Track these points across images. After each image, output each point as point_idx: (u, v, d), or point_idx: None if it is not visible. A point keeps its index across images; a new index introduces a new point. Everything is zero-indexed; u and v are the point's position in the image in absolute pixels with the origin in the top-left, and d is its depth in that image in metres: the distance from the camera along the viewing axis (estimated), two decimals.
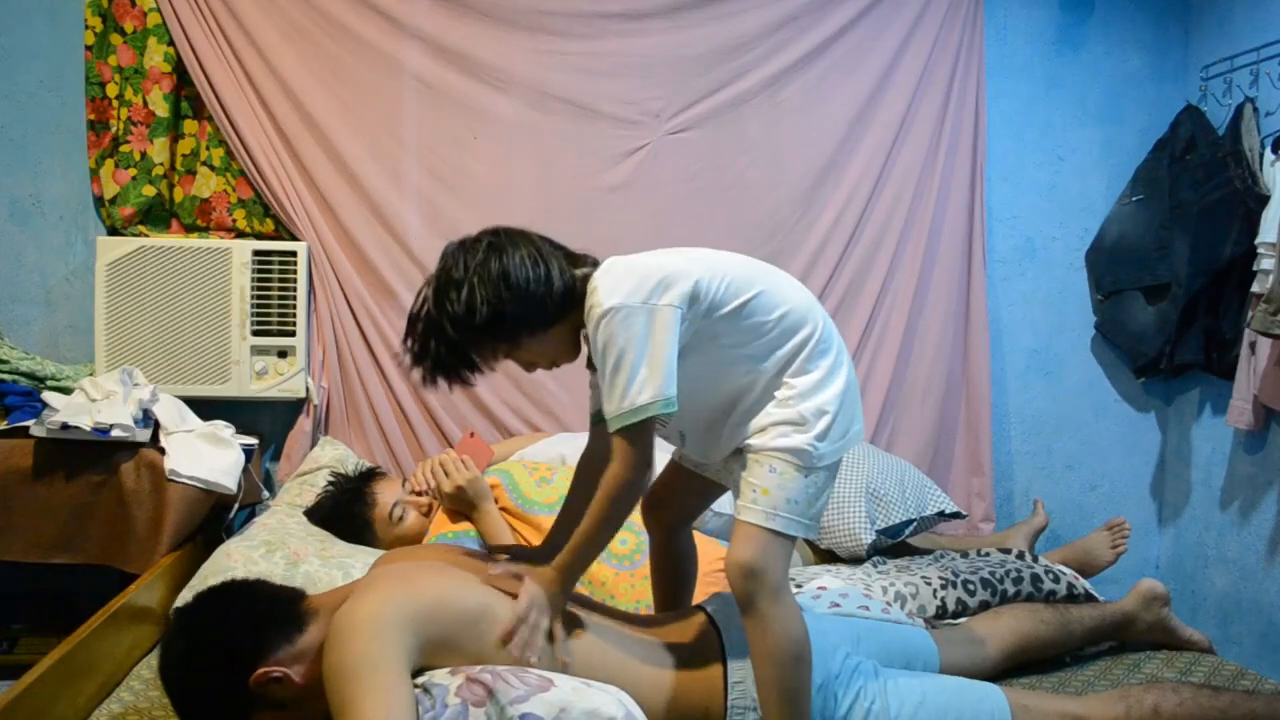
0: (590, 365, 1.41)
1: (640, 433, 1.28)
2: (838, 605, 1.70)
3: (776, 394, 1.34)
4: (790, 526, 1.30)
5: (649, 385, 1.25)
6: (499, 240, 1.32)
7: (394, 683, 1.12)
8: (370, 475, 2.16)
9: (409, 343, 1.34)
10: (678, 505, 1.56)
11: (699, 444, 1.45)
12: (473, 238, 1.34)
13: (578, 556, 1.33)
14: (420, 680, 1.18)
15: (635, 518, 1.98)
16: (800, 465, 1.31)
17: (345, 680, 1.11)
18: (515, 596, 1.29)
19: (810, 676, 1.32)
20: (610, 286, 1.28)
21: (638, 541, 1.92)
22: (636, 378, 1.25)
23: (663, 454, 2.28)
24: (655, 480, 1.58)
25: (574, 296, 1.32)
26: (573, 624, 1.35)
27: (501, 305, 1.28)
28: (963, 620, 1.86)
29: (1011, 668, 1.72)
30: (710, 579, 1.92)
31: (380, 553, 1.92)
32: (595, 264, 1.35)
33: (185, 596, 1.78)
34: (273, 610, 1.29)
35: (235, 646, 1.24)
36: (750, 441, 1.34)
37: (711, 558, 1.96)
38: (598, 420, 1.43)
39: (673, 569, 1.59)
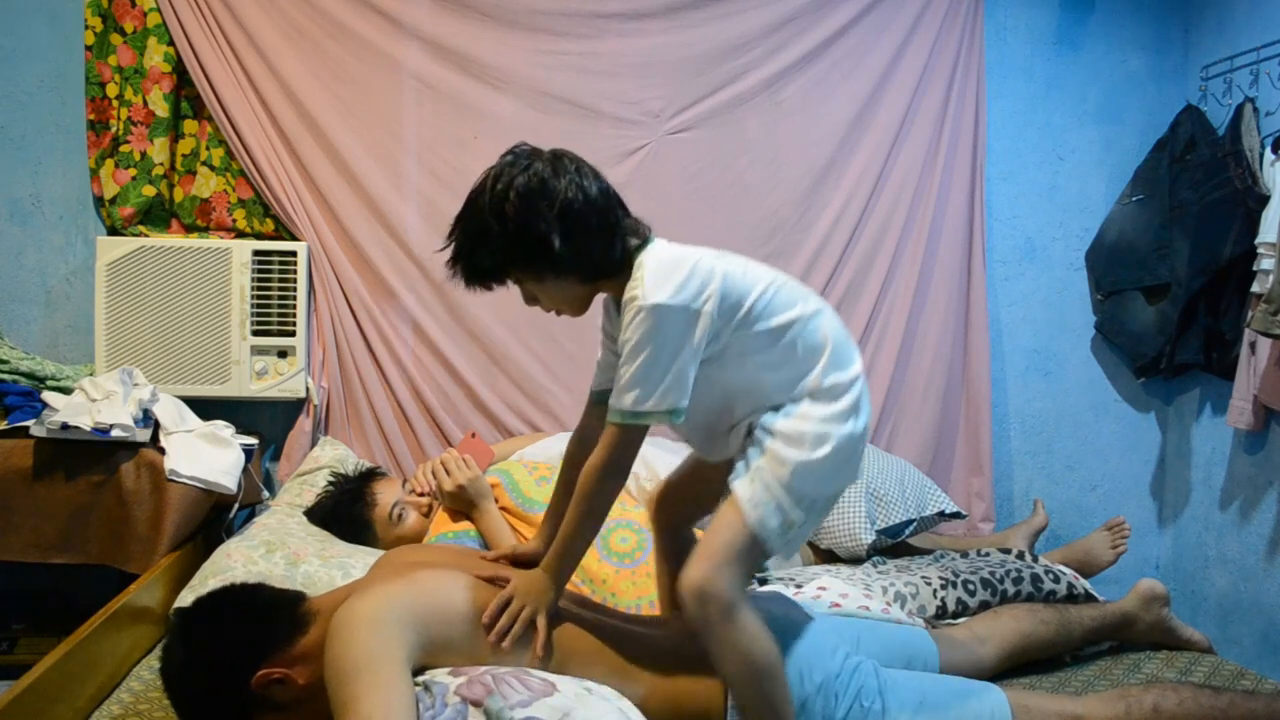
0: (606, 335, 1.40)
1: (635, 433, 1.27)
2: (838, 605, 1.71)
3: (791, 408, 1.30)
4: (765, 531, 1.24)
5: (664, 393, 1.23)
6: (592, 183, 1.27)
7: (394, 679, 1.11)
8: (370, 475, 2.16)
9: (464, 226, 1.27)
10: (685, 504, 1.54)
11: (703, 446, 1.44)
12: (568, 164, 1.27)
13: (563, 556, 1.32)
14: (421, 679, 1.19)
15: (635, 515, 1.99)
16: (790, 471, 1.26)
17: (346, 677, 1.11)
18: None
19: (785, 685, 1.29)
20: (656, 280, 1.24)
21: (638, 540, 1.92)
22: (653, 380, 1.22)
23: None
24: (672, 474, 1.56)
25: (621, 266, 1.28)
26: (573, 625, 1.35)
27: (559, 249, 1.23)
28: (963, 620, 1.86)
29: (1011, 668, 1.72)
30: None
31: (380, 553, 1.92)
32: (645, 239, 1.31)
33: (185, 597, 1.79)
34: (273, 612, 1.29)
35: (236, 649, 1.24)
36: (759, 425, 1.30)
37: None
38: (599, 399, 1.40)
39: (674, 571, 1.59)
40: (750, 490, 1.26)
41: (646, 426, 1.27)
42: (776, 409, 1.31)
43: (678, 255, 1.28)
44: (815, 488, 1.29)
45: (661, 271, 1.25)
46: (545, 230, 1.23)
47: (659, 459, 2.19)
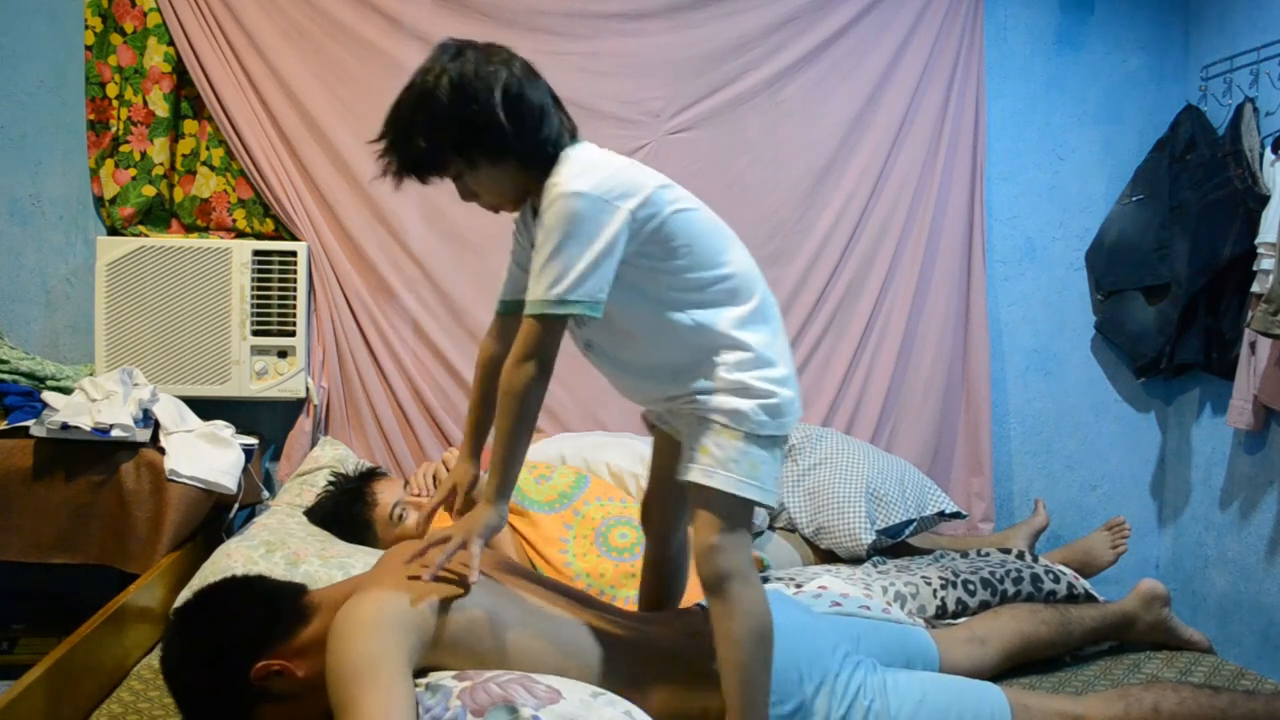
0: (518, 240, 1.37)
1: (555, 326, 1.23)
2: (839, 605, 1.70)
3: (716, 359, 1.29)
4: (743, 488, 1.26)
5: (583, 282, 1.20)
6: (527, 70, 1.27)
7: (395, 682, 1.11)
8: (371, 475, 2.16)
9: (398, 116, 1.25)
10: (663, 506, 1.53)
11: (621, 384, 1.41)
12: (501, 51, 1.27)
13: (498, 469, 1.28)
14: (425, 680, 1.18)
15: (634, 512, 1.99)
16: (743, 432, 1.27)
17: (346, 679, 1.11)
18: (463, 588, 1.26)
19: (771, 656, 1.30)
20: (578, 170, 1.23)
21: (638, 535, 1.92)
22: (574, 269, 1.19)
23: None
24: (648, 485, 1.55)
25: (554, 156, 1.27)
26: (572, 624, 1.35)
27: (502, 129, 1.22)
28: (963, 620, 1.86)
29: (1011, 668, 1.72)
30: None
31: (380, 553, 1.92)
32: (575, 137, 1.31)
33: (186, 595, 1.78)
34: (274, 604, 1.30)
35: (237, 639, 1.24)
36: (697, 399, 1.30)
37: None
38: (507, 310, 1.38)
39: (661, 581, 1.57)
40: (708, 466, 1.27)
41: (565, 320, 1.23)
42: (707, 391, 1.29)
43: (604, 156, 1.28)
44: (762, 443, 1.29)
45: (585, 164, 1.25)
46: (482, 109, 1.22)
47: None
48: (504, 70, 1.24)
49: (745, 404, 1.27)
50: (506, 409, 1.25)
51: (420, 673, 1.20)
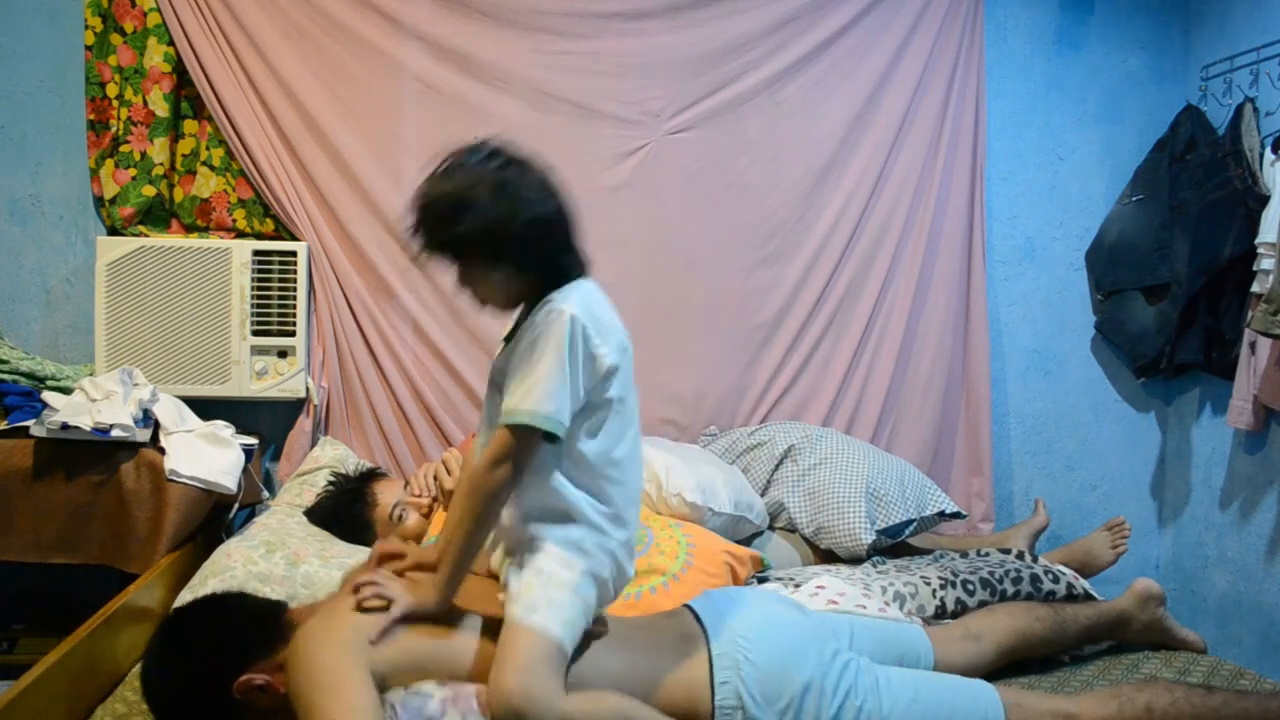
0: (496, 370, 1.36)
1: (530, 440, 1.23)
2: (835, 603, 1.71)
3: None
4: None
5: (563, 402, 1.22)
6: (557, 188, 1.30)
7: (356, 690, 1.14)
8: (371, 475, 2.16)
9: (445, 194, 1.24)
10: None
11: None
12: (539, 163, 1.29)
13: (454, 569, 1.27)
14: (409, 689, 1.21)
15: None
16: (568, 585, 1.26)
17: (308, 689, 1.14)
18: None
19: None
20: (581, 300, 1.26)
21: (643, 533, 1.92)
22: (555, 387, 1.21)
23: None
24: None
25: (553, 278, 1.28)
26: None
27: (517, 237, 1.23)
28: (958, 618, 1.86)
29: (1007, 666, 1.72)
30: (712, 569, 1.91)
31: None
32: (581, 269, 1.32)
33: (185, 597, 1.79)
34: (256, 620, 1.32)
35: (219, 654, 1.26)
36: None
37: (715, 550, 1.96)
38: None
39: None
40: (528, 603, 1.24)
41: (543, 437, 1.23)
42: (554, 521, 1.29)
43: (605, 300, 1.31)
44: (586, 594, 1.29)
45: (587, 297, 1.28)
46: (527, 221, 1.23)
47: (673, 467, 2.15)
48: (554, 190, 1.27)
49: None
50: (473, 508, 1.26)
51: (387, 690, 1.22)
